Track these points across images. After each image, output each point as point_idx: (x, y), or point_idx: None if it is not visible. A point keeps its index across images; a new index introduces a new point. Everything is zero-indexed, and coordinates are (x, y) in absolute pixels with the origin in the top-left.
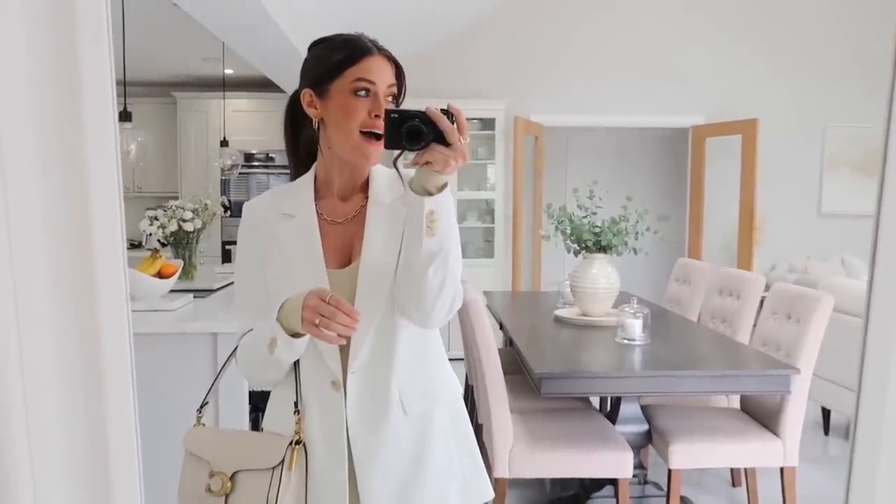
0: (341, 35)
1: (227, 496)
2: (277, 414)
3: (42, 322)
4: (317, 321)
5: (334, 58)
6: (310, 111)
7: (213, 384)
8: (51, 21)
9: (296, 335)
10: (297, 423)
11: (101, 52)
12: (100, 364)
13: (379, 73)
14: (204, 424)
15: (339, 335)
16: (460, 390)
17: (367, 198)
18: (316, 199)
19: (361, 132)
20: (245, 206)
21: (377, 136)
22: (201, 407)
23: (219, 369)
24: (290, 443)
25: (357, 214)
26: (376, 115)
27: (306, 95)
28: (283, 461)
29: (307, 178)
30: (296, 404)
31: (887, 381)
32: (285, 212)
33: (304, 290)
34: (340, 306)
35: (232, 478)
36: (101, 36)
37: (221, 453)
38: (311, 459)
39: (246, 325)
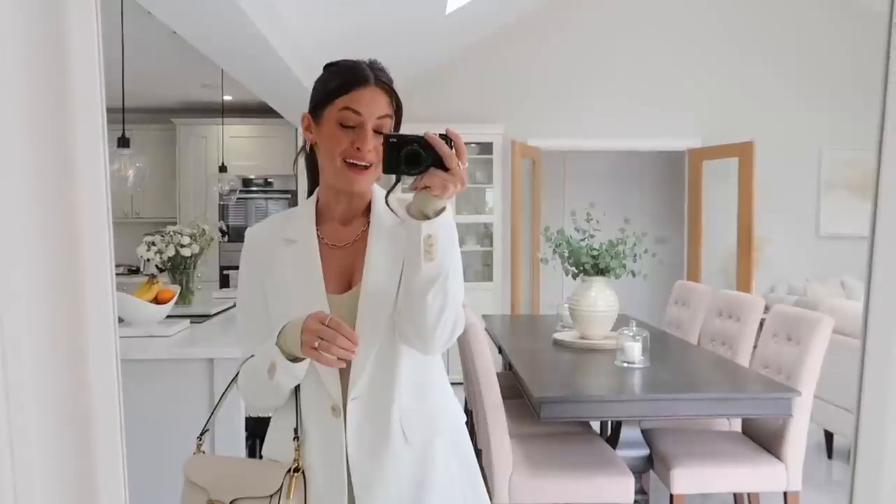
0: (346, 62)
1: None
2: (277, 440)
3: (28, 347)
4: (316, 344)
5: (330, 85)
6: (306, 135)
7: (213, 412)
8: (42, 42)
9: (295, 360)
10: (296, 450)
11: (91, 77)
12: (87, 391)
13: (368, 105)
14: (203, 452)
15: (339, 358)
16: (463, 418)
17: (368, 222)
18: (318, 224)
19: (345, 161)
20: (247, 232)
21: (362, 166)
22: (201, 434)
23: (216, 395)
24: (289, 470)
25: (358, 239)
26: (358, 148)
27: (305, 119)
28: (281, 489)
29: (309, 203)
30: (295, 430)
31: (886, 401)
32: (287, 237)
33: (305, 314)
34: (340, 329)
35: None
36: (93, 61)
37: (220, 481)
38: (310, 487)
39: (247, 351)
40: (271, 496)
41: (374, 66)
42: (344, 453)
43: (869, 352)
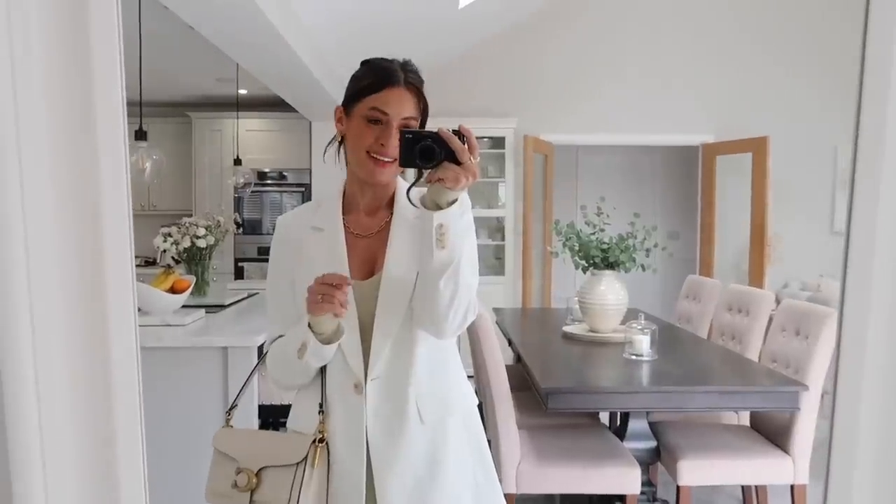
0: (380, 61)
1: (252, 492)
2: (302, 413)
3: (54, 332)
4: (319, 298)
5: (362, 83)
6: (336, 126)
7: (241, 389)
8: (65, 39)
9: (326, 342)
10: (320, 423)
11: (112, 71)
12: (108, 373)
13: (395, 105)
14: (232, 426)
15: (340, 305)
16: (475, 401)
17: (392, 214)
18: (344, 214)
19: (368, 154)
20: (278, 220)
21: (384, 161)
22: (230, 409)
23: (230, 382)
24: (314, 441)
25: (382, 229)
26: (382, 144)
27: (337, 111)
28: (306, 458)
29: (336, 194)
30: (320, 405)
31: (861, 388)
32: (315, 225)
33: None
34: (330, 280)
35: (258, 474)
36: (114, 56)
37: (248, 451)
38: (332, 458)
39: (275, 332)
40: (297, 464)
41: (406, 68)
42: (364, 429)
43: (845, 341)
